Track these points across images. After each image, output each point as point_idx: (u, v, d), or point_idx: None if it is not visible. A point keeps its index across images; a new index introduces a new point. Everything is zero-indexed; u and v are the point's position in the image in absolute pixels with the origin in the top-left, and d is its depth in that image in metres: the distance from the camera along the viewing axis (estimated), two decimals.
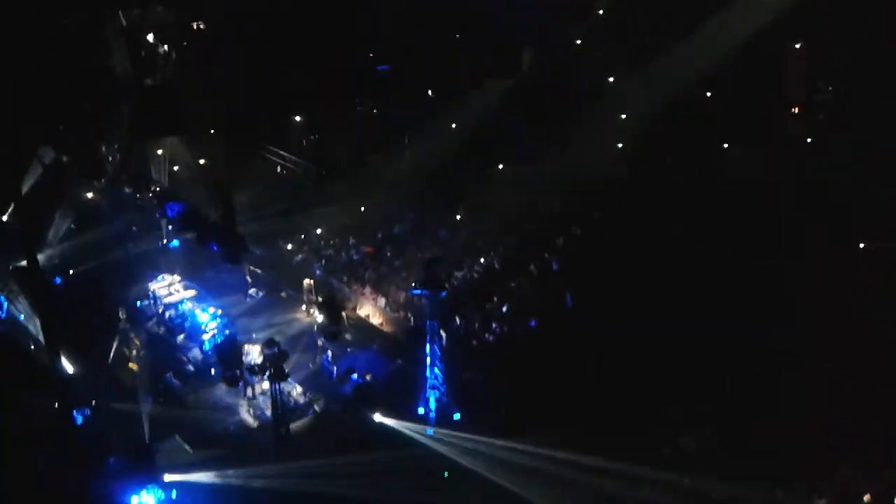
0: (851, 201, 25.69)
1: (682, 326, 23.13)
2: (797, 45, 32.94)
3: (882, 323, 21.85)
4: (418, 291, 24.61)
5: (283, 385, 23.01)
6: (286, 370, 22.64)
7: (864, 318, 22.15)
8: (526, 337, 27.00)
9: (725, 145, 32.49)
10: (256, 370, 23.14)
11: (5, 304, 25.95)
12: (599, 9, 35.63)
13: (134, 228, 34.06)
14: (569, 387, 22.46)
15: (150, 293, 31.46)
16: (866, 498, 16.73)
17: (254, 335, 28.05)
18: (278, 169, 24.55)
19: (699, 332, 22.83)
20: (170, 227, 31.18)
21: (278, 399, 22.75)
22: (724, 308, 23.63)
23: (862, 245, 26.28)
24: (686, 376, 21.58)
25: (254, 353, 25.30)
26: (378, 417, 24.20)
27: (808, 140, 31.02)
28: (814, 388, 20.18)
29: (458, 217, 34.88)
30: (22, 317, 25.82)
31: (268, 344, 22.66)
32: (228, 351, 22.69)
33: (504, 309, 28.40)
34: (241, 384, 24.65)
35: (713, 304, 23.88)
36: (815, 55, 32.06)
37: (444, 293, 24.59)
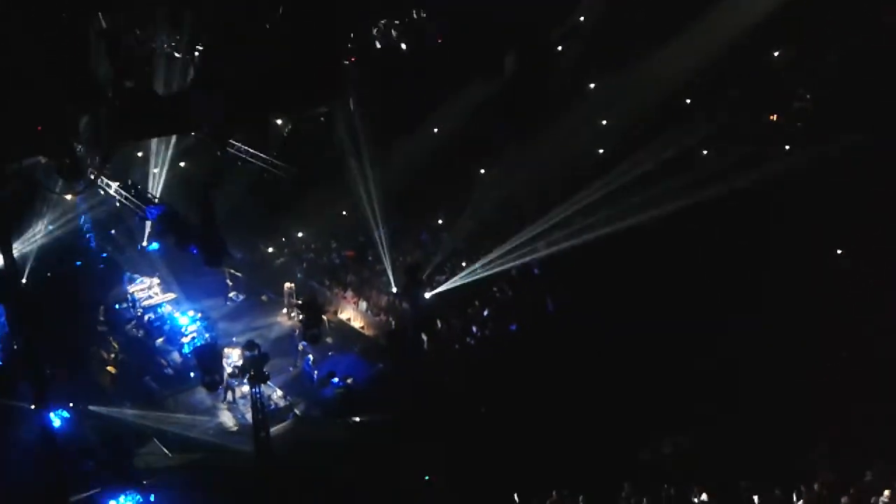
0: (828, 208, 25.94)
1: (664, 331, 23.26)
2: (776, 53, 33.29)
3: (860, 329, 22.11)
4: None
5: (263, 388, 22.86)
6: (266, 373, 22.53)
7: (840, 325, 22.39)
8: (507, 341, 27.07)
9: (704, 151, 32.75)
10: (237, 373, 22.98)
11: None
12: (581, 14, 35.89)
13: (113, 231, 33.83)
14: (548, 391, 22.52)
15: (128, 296, 31.28)
16: (844, 500, 16.83)
17: (234, 339, 27.93)
18: (263, 173, 24.48)
19: (681, 337, 22.97)
20: (149, 230, 30.99)
21: (258, 403, 22.61)
22: (704, 313, 23.78)
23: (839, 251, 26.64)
24: (666, 381, 21.69)
25: (234, 357, 25.18)
26: (359, 419, 24.19)
27: (787, 147, 31.29)
28: (793, 393, 20.37)
29: (440, 221, 34.91)
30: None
31: (248, 347, 22.51)
32: (208, 354, 22.52)
33: (485, 313, 28.45)
34: (220, 388, 24.49)
35: (695, 308, 24.03)
36: (795, 62, 32.39)
37: (425, 297, 24.65)
